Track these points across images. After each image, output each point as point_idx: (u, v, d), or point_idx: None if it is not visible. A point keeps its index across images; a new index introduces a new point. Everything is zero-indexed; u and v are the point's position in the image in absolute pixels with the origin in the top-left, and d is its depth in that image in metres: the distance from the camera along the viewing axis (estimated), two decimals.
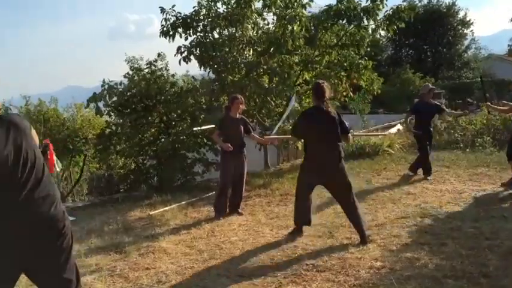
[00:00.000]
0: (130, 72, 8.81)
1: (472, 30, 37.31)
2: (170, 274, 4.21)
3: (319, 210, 6.13)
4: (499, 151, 10.59)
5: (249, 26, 8.55)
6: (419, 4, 35.19)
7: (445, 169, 8.60)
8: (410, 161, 10.41)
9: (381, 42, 37.57)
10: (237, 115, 6.33)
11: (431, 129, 8.33)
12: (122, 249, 4.97)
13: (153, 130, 9.48)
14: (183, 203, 7.15)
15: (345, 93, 10.45)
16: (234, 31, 8.49)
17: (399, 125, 18.87)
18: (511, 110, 8.14)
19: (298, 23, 8.24)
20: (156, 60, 9.06)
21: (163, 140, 8.82)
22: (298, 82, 9.99)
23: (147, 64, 8.96)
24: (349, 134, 5.25)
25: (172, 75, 9.98)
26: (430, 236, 4.84)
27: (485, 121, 13.02)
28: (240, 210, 6.39)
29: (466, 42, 37.27)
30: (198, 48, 8.99)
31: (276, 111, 9.40)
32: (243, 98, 6.49)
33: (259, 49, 8.65)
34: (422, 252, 4.32)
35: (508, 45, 43.30)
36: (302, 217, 5.16)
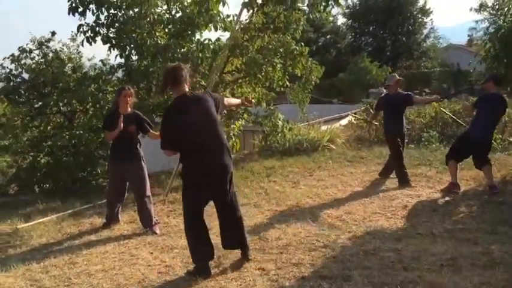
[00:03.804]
0: (17, 54, 7.43)
1: (431, 19, 37.07)
2: None
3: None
4: (445, 147, 9.89)
5: (158, 3, 7.31)
6: None
7: None
8: (350, 158, 9.58)
9: (340, 29, 36.91)
10: (128, 110, 5.18)
11: (405, 126, 7.15)
12: None
13: (58, 121, 8.19)
14: (66, 212, 5.96)
15: (280, 83, 9.43)
16: (140, 9, 7.21)
17: (351, 116, 18.13)
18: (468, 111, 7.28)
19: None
20: (49, 40, 7.69)
21: (64, 134, 7.51)
22: (227, 70, 8.90)
23: (38, 45, 7.59)
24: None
25: (89, 59, 8.71)
26: (337, 265, 3.87)
27: (433, 113, 12.34)
28: (154, 229, 5.07)
29: (425, 31, 37.01)
30: (105, 28, 7.71)
31: None
32: (132, 90, 5.31)
33: (172, 30, 7.43)
34: None
35: (468, 35, 43.38)
36: (204, 253, 3.86)
